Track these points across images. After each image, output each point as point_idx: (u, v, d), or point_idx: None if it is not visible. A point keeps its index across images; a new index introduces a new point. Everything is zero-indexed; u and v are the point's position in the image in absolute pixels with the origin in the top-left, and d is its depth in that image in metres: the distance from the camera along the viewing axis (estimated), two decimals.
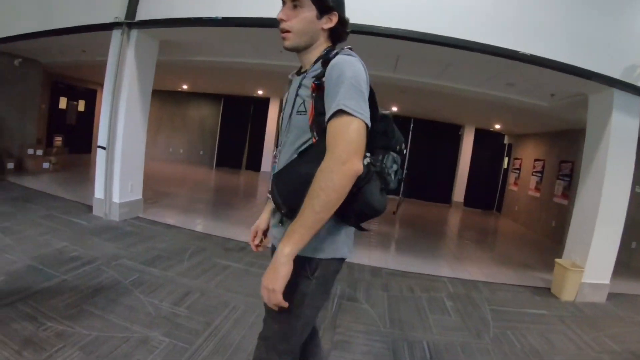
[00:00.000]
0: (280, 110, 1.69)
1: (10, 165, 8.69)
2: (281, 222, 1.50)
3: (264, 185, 12.00)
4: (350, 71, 1.30)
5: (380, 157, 1.42)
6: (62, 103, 12.63)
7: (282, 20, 1.47)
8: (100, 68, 6.89)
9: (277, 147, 1.63)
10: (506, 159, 13.24)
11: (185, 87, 13.94)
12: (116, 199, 5.83)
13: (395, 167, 1.45)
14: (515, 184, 11.98)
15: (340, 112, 1.25)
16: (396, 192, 1.37)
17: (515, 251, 7.62)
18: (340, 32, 1.56)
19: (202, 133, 15.51)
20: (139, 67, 5.81)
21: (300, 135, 1.45)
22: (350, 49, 1.44)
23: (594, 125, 5.01)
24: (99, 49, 6.95)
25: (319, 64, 1.45)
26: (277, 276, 1.25)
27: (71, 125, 12.95)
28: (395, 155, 1.46)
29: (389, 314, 3.76)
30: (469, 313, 4.02)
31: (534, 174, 10.71)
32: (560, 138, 9.57)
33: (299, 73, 1.59)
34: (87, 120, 13.73)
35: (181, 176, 11.99)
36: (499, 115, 9.97)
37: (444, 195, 13.72)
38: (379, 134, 1.43)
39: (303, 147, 1.43)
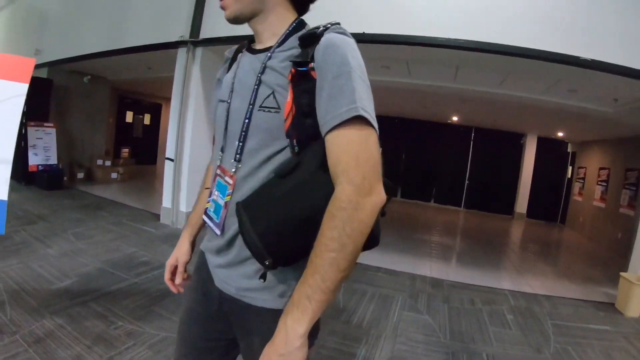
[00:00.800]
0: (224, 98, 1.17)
1: (80, 175, 9.30)
2: (263, 277, 0.98)
3: None
4: (354, 59, 0.92)
5: None
6: (129, 117, 13.42)
7: None
8: (165, 83, 7.24)
9: (221, 152, 1.14)
10: (570, 168, 12.63)
11: None
12: (183, 208, 6.09)
13: None
14: (580, 194, 11.39)
15: (357, 120, 0.87)
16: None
17: (579, 264, 7.32)
18: None
19: None
20: (204, 83, 6.07)
21: (267, 142, 1.01)
22: (338, 24, 0.99)
23: None
24: (164, 65, 7.31)
25: (292, 40, 1.03)
26: None
27: (137, 138, 13.68)
28: None
29: (449, 325, 3.74)
30: (530, 327, 3.92)
31: (599, 183, 10.14)
32: (626, 145, 9.05)
33: (251, 50, 1.14)
34: (153, 133, 14.43)
35: None
36: (561, 123, 9.58)
37: (506, 206, 13.08)
38: None
39: (277, 161, 1.01)
